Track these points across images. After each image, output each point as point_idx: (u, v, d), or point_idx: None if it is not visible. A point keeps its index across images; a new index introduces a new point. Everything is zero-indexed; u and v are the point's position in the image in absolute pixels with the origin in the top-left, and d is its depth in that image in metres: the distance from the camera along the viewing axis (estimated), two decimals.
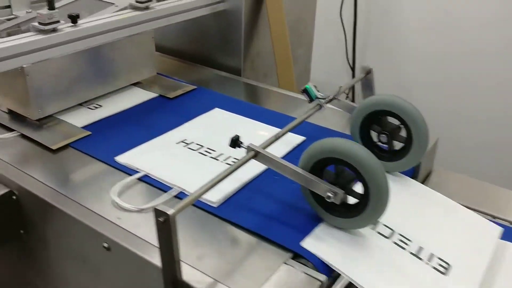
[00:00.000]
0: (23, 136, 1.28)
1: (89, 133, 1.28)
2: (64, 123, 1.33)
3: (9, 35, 1.41)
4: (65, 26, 1.24)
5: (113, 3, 1.50)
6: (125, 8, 1.46)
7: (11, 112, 1.36)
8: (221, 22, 1.70)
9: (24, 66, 1.20)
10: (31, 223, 1.13)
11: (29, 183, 1.11)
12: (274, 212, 1.00)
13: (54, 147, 1.21)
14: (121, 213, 1.00)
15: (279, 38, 1.73)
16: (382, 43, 2.46)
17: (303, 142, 1.25)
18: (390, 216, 0.94)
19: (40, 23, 1.19)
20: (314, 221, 0.97)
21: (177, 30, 1.81)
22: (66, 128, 1.31)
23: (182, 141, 1.23)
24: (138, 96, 1.49)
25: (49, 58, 1.22)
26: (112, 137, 1.27)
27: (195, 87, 1.57)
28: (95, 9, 1.51)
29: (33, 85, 1.26)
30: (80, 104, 1.41)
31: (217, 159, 1.15)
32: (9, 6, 1.51)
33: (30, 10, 1.52)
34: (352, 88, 2.63)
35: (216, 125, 1.33)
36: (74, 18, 1.25)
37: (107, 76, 1.46)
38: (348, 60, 2.57)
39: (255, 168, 1.06)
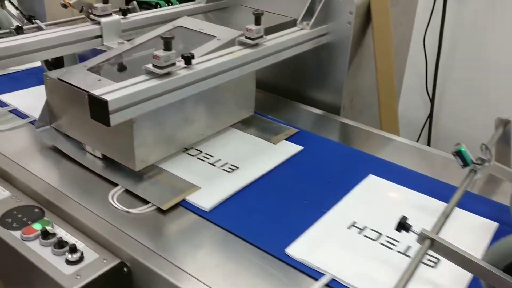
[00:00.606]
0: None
1: (200, 187, 1.13)
2: (166, 174, 1.18)
3: (99, 68, 1.27)
4: (179, 69, 1.08)
5: (215, 36, 1.34)
6: (229, 44, 1.31)
7: (105, 158, 1.21)
8: (322, 56, 1.54)
9: None
10: None
11: (143, 254, 0.95)
12: None
13: (164, 207, 1.06)
14: None
15: (385, 74, 1.57)
16: (467, 75, 2.28)
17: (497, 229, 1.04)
18: None
19: (155, 66, 1.04)
20: None
21: None
22: (170, 180, 1.16)
23: (353, 225, 1.03)
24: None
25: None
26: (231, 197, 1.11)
27: (297, 130, 1.41)
28: (194, 41, 1.36)
29: (139, 133, 1.12)
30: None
31: (407, 255, 0.95)
32: (100, 36, 1.36)
33: (122, 41, 1.38)
34: (430, 118, 2.45)
35: (378, 199, 1.13)
36: (188, 59, 1.10)
37: (209, 119, 1.31)
38: (427, 91, 2.39)
39: None
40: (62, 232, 1.02)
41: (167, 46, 1.04)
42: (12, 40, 1.20)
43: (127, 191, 1.12)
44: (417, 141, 2.43)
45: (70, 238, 1.00)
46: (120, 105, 0.96)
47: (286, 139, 1.36)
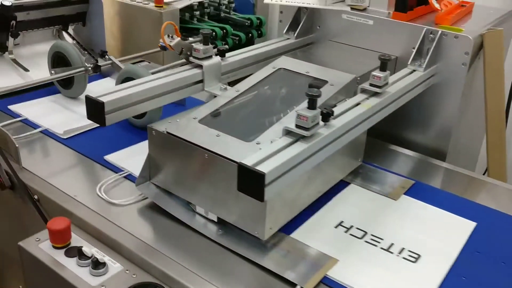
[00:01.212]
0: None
1: (337, 260, 1.00)
2: (291, 240, 1.05)
3: (211, 120, 1.14)
4: (319, 127, 0.96)
5: (326, 81, 1.22)
6: (344, 90, 1.19)
7: (219, 222, 1.08)
8: (426, 97, 1.42)
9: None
10: None
11: None
12: None
13: (308, 287, 0.93)
14: None
15: (495, 116, 1.45)
16: None
17: None
18: None
19: (300, 127, 0.92)
20: None
21: None
22: (299, 249, 1.03)
23: None
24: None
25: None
26: None
27: (413, 181, 1.29)
28: (304, 87, 1.24)
29: (272, 199, 0.99)
30: None
31: None
32: (201, 81, 1.23)
33: (224, 86, 1.25)
34: None
35: None
36: (327, 116, 0.97)
37: (326, 174, 1.18)
38: None
39: None
40: None
41: (312, 105, 0.92)
42: (120, 91, 1.07)
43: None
44: (483, 174, 2.30)
45: None
46: (275, 176, 0.84)
47: (404, 194, 1.24)
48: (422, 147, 1.48)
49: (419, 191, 1.25)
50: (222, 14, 2.55)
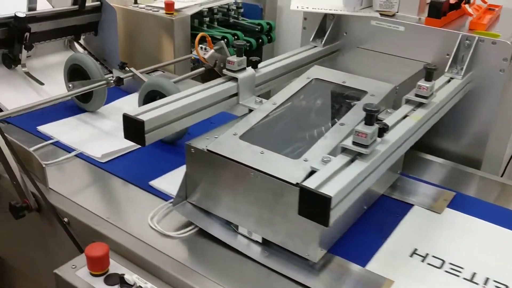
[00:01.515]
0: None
1: (393, 281, 0.95)
2: (340, 261, 1.00)
3: (252, 135, 1.09)
4: (376, 144, 0.91)
5: (366, 91, 1.18)
6: (384, 100, 1.14)
7: (265, 243, 1.03)
8: (459, 104, 1.38)
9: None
10: None
11: None
12: None
13: None
14: None
15: None
16: None
17: None
18: None
19: (358, 144, 0.87)
20: None
21: None
22: (350, 271, 0.98)
23: None
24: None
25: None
26: None
27: (454, 193, 1.25)
28: (343, 98, 1.20)
29: None
30: None
31: None
32: (236, 94, 1.18)
33: (259, 99, 1.20)
34: None
35: None
36: (383, 131, 0.93)
37: (371, 190, 1.14)
38: None
39: None
40: None
41: (370, 120, 0.87)
42: (157, 108, 1.02)
43: None
44: (501, 176, 2.27)
45: None
46: (340, 198, 0.79)
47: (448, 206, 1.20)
48: (455, 155, 1.44)
49: (461, 202, 1.21)
50: (231, 20, 2.49)
